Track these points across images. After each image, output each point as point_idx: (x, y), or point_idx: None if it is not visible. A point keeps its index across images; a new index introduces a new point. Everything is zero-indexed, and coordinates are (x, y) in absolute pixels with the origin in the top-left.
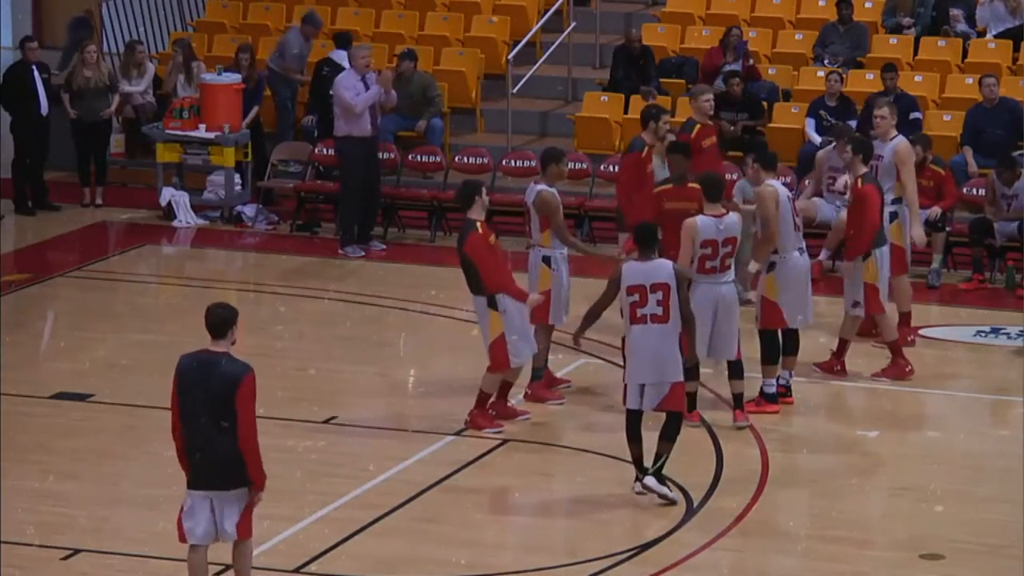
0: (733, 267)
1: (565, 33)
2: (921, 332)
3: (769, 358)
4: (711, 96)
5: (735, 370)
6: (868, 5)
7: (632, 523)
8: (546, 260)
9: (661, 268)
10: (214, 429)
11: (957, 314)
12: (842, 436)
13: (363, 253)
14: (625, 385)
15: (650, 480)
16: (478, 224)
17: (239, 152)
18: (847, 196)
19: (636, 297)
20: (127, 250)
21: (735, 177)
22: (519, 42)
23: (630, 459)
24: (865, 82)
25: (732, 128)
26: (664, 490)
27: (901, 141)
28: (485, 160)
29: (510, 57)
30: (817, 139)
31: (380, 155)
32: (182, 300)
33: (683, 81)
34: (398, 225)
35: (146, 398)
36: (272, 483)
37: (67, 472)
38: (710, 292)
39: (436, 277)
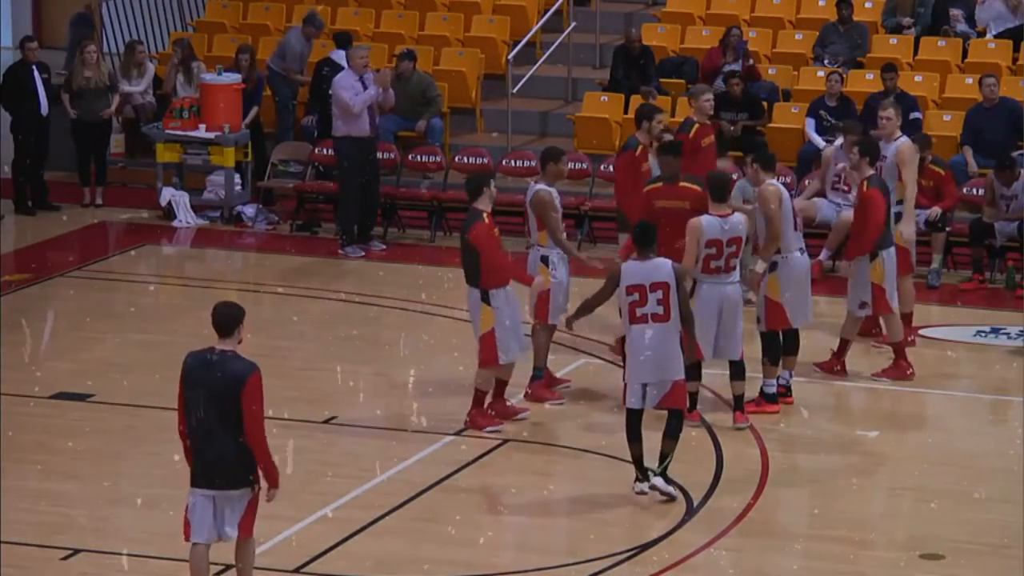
0: (738, 267)
1: (565, 33)
2: (921, 332)
3: (770, 358)
4: (711, 96)
5: (736, 371)
6: (868, 5)
7: (632, 523)
8: (544, 259)
9: (660, 267)
10: (218, 427)
11: (957, 314)
12: (842, 436)
13: (363, 253)
14: (625, 384)
15: (658, 481)
16: (484, 215)
17: (239, 152)
18: (852, 196)
19: (636, 296)
20: (127, 250)
21: (735, 177)
22: (519, 42)
23: (630, 459)
24: (865, 82)
25: (732, 128)
26: (671, 489)
27: (905, 142)
28: (485, 160)
29: (510, 57)
30: (817, 139)
31: (380, 155)
32: (182, 300)
33: (683, 81)
34: (398, 225)
35: (146, 398)
36: None
37: (67, 472)
38: (715, 292)
39: (436, 277)
